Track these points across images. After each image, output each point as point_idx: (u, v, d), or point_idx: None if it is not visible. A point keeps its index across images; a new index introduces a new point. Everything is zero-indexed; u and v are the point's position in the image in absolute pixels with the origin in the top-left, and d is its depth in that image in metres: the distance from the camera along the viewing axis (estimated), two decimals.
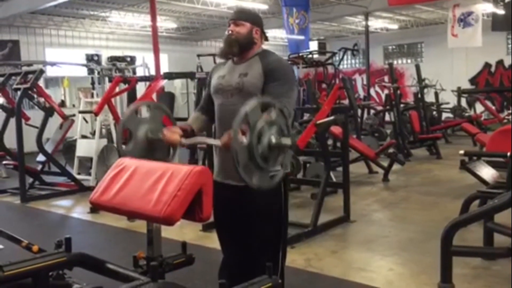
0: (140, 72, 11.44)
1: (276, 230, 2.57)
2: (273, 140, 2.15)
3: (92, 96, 9.51)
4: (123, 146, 2.60)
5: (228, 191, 2.52)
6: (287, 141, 2.18)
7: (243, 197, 2.51)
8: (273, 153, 2.18)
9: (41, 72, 7.42)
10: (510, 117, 13.43)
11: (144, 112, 2.79)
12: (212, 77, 2.70)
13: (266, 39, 2.68)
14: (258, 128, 2.11)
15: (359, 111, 10.91)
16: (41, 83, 8.37)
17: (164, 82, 7.26)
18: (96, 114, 7.19)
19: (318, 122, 5.35)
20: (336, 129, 7.01)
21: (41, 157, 7.85)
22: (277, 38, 18.02)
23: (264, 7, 13.16)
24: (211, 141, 2.45)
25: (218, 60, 2.83)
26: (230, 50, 2.56)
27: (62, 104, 13.50)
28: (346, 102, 8.77)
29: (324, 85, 12.80)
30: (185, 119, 7.66)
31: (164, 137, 2.50)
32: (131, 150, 2.56)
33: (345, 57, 15.46)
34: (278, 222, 2.57)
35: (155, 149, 2.62)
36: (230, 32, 2.56)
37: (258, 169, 2.16)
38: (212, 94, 2.66)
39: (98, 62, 10.79)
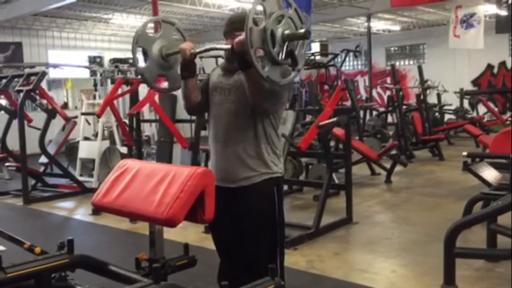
0: None
1: (272, 233, 2.53)
2: (288, 30, 2.11)
3: (95, 98, 9.52)
4: (140, 65, 2.61)
5: (222, 194, 2.48)
6: (301, 30, 2.13)
7: (237, 200, 2.49)
8: (288, 46, 2.13)
9: (44, 74, 7.44)
10: None
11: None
12: (212, 77, 2.67)
13: None
14: (273, 17, 2.06)
15: (362, 113, 10.89)
16: (43, 85, 8.39)
17: (166, 84, 7.24)
18: (99, 116, 7.19)
19: (321, 123, 5.35)
20: (339, 131, 7.01)
21: (43, 159, 7.86)
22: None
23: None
24: (222, 46, 2.43)
25: (220, 62, 2.82)
26: (234, 66, 2.45)
27: (65, 106, 13.53)
28: (348, 103, 8.76)
29: (326, 87, 12.77)
30: (187, 121, 7.65)
31: (181, 46, 2.47)
32: (148, 67, 2.55)
33: (347, 58, 15.43)
34: (273, 224, 2.52)
35: (169, 66, 2.62)
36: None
37: (271, 60, 2.10)
38: (209, 92, 2.62)
39: (101, 64, 10.82)
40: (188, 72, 2.52)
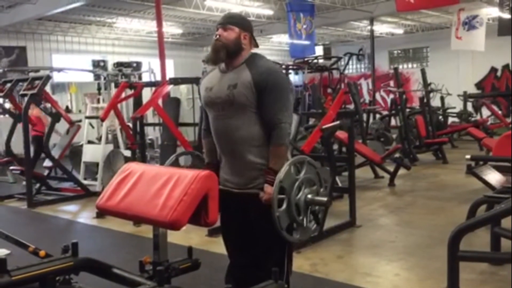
0: (146, 77, 11.49)
1: (281, 237, 2.55)
2: (309, 198, 2.39)
3: (98, 101, 9.55)
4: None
5: (234, 198, 2.52)
6: (323, 199, 2.43)
7: (248, 203, 2.51)
8: (309, 210, 2.42)
9: (48, 78, 7.47)
10: None
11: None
12: (201, 89, 2.66)
13: (256, 45, 2.60)
14: (293, 192, 2.36)
15: (365, 116, 10.89)
16: (47, 89, 8.42)
17: (169, 88, 7.27)
18: (103, 119, 7.22)
19: (324, 127, 5.35)
20: (342, 134, 7.01)
21: (47, 163, 7.89)
22: (282, 43, 18.05)
23: (270, 12, 13.19)
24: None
25: (206, 67, 2.83)
26: (217, 56, 2.48)
27: (67, 109, 13.57)
28: (351, 107, 8.77)
29: (329, 90, 12.79)
30: (190, 125, 7.64)
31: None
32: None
33: (350, 62, 15.45)
34: None
35: None
36: (217, 37, 2.50)
37: (299, 226, 2.41)
38: (205, 106, 2.62)
39: (104, 68, 10.84)
40: None
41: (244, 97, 2.42)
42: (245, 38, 2.52)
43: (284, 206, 2.33)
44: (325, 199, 2.42)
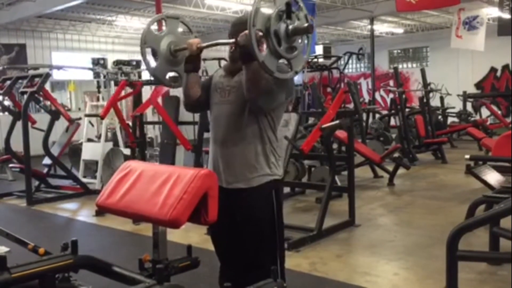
0: (145, 76, 11.46)
1: (271, 235, 2.52)
2: (290, 26, 2.18)
3: (98, 99, 9.54)
4: (151, 65, 2.64)
5: (220, 195, 2.45)
6: (304, 24, 2.21)
7: (235, 201, 2.49)
8: (292, 40, 2.21)
9: (48, 75, 7.47)
10: None
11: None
12: (214, 77, 2.68)
13: None
14: (273, 17, 2.14)
15: (364, 115, 10.89)
16: (47, 86, 8.42)
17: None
18: (102, 117, 7.22)
19: (323, 126, 5.35)
20: (341, 133, 7.01)
21: (47, 160, 7.89)
22: None
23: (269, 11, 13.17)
24: (227, 40, 2.47)
25: (223, 64, 2.84)
26: (235, 67, 2.49)
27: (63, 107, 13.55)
28: (351, 106, 8.76)
29: (329, 89, 12.78)
30: (190, 123, 7.65)
31: (188, 42, 2.51)
32: (159, 66, 2.57)
33: (350, 61, 15.47)
34: (272, 227, 2.52)
35: (178, 62, 2.64)
36: (233, 49, 2.46)
37: (279, 57, 2.19)
38: (211, 91, 2.62)
39: (104, 66, 10.80)
40: (192, 65, 2.55)
41: None
42: None
43: (264, 48, 2.16)
44: (305, 24, 2.21)
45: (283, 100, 2.51)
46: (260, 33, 2.13)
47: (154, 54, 2.58)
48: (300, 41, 2.25)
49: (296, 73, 2.31)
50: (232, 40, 2.36)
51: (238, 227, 2.51)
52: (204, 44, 2.52)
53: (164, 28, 2.72)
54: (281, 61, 2.26)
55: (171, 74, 2.75)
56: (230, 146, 2.49)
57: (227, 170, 2.51)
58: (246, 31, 2.15)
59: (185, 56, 2.58)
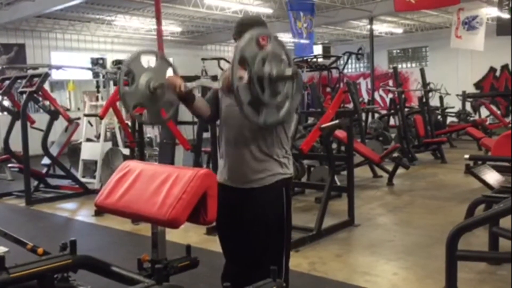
0: None
1: (279, 234, 2.55)
2: (274, 72, 2.11)
3: (97, 99, 9.53)
4: (125, 88, 2.54)
5: (231, 194, 2.51)
6: (288, 71, 2.14)
7: (246, 200, 2.50)
8: (277, 86, 2.15)
9: (47, 75, 7.46)
10: None
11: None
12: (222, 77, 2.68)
13: None
14: (256, 63, 2.08)
15: (364, 115, 10.89)
16: (46, 86, 8.40)
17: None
18: (101, 117, 7.21)
19: (323, 126, 5.35)
20: (341, 133, 7.01)
21: (46, 160, 7.88)
22: (277, 36, 18.01)
23: (269, 11, 13.18)
24: (210, 83, 2.44)
25: (222, 64, 2.82)
26: None
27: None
28: (350, 106, 8.77)
29: (328, 89, 12.79)
30: (189, 123, 7.64)
31: (167, 80, 2.46)
32: (131, 93, 2.49)
33: (349, 61, 15.45)
34: (281, 226, 2.55)
35: (156, 100, 2.56)
36: None
37: (263, 105, 2.14)
38: (219, 95, 2.62)
39: (103, 65, 10.78)
40: (188, 101, 2.52)
41: None
42: (263, 40, 2.51)
43: (245, 77, 2.10)
44: (290, 70, 2.15)
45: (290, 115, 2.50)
46: (244, 81, 2.10)
47: (132, 79, 2.52)
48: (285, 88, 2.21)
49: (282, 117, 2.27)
50: (216, 84, 2.34)
51: (248, 225, 2.52)
52: (189, 87, 2.47)
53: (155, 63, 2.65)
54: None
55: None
56: (242, 146, 2.50)
57: (239, 170, 2.52)
58: (228, 77, 2.12)
59: (161, 95, 2.53)
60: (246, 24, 2.51)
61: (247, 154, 2.49)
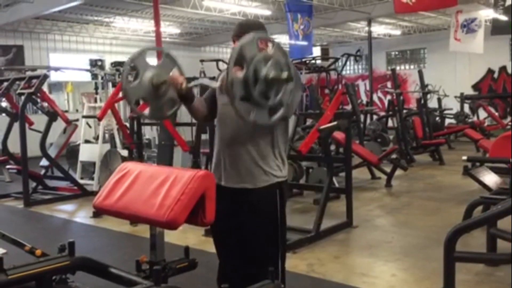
0: None
1: (274, 236, 2.53)
2: (270, 74, 2.11)
3: (96, 101, 9.53)
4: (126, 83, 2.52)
5: (225, 194, 2.47)
6: (284, 74, 2.13)
7: (240, 201, 2.49)
8: (271, 88, 2.14)
9: (45, 77, 7.45)
10: None
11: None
12: (220, 80, 2.67)
13: None
14: (254, 61, 2.07)
15: (362, 117, 10.90)
16: (44, 88, 8.40)
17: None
18: (100, 119, 7.20)
19: (321, 127, 5.36)
20: (339, 135, 7.02)
21: (44, 162, 7.87)
22: (280, 44, 18.04)
23: (267, 12, 13.20)
24: (209, 82, 2.45)
25: (220, 65, 2.83)
26: None
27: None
28: (349, 107, 8.78)
29: (327, 91, 12.81)
30: (187, 124, 7.62)
31: (170, 78, 2.48)
32: (135, 88, 2.48)
33: (348, 62, 15.49)
34: (275, 227, 2.53)
35: (158, 97, 2.54)
36: None
37: (255, 104, 2.13)
38: (217, 95, 2.62)
39: (102, 67, 10.80)
40: (187, 100, 2.53)
41: None
42: (262, 43, 2.47)
43: (242, 73, 2.08)
44: (286, 74, 2.13)
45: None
46: (240, 75, 2.10)
47: (136, 74, 2.51)
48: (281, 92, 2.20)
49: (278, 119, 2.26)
50: (215, 83, 2.35)
51: (242, 226, 2.52)
52: (190, 85, 2.50)
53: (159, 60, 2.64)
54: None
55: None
56: (238, 146, 2.49)
57: (233, 169, 2.51)
58: (225, 79, 2.14)
59: (166, 91, 2.53)
60: (247, 27, 2.51)
61: (242, 154, 2.48)
